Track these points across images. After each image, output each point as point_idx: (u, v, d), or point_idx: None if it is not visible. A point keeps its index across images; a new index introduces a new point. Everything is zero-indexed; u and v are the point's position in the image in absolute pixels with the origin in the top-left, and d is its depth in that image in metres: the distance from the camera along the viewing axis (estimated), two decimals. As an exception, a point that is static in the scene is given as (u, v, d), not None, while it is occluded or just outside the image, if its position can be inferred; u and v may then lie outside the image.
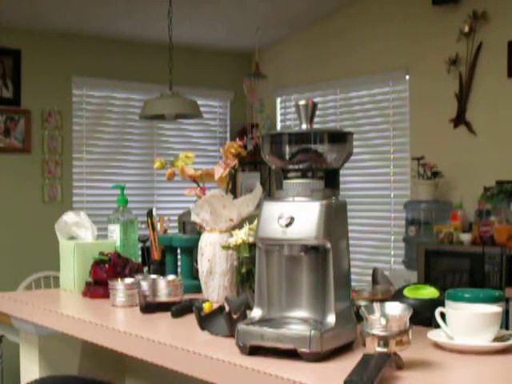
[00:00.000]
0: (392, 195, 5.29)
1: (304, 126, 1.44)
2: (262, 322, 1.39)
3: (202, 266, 2.02)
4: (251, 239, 1.86)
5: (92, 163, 5.57)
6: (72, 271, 2.22)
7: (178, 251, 2.34)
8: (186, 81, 5.69)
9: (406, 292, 1.64)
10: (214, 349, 1.41)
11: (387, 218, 5.31)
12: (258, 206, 1.76)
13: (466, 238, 4.24)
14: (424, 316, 1.54)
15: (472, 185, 4.56)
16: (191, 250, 2.25)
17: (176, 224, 2.73)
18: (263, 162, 1.56)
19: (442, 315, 1.44)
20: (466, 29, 4.62)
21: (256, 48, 5.71)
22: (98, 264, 2.13)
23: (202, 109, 4.61)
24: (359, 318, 1.34)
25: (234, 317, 1.52)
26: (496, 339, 1.39)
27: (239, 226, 2.00)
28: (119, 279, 2.00)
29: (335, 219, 1.38)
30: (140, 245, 2.46)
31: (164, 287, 1.86)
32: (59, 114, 5.38)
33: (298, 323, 1.38)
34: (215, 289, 2.00)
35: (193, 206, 2.05)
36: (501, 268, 3.98)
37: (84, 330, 1.78)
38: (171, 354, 1.46)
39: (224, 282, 1.99)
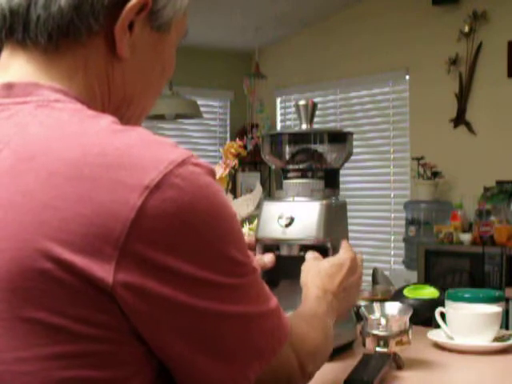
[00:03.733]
0: (392, 195, 5.29)
1: (304, 126, 1.44)
2: (262, 322, 1.38)
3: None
4: (251, 239, 1.86)
5: (92, 163, 5.55)
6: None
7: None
8: (186, 81, 5.69)
9: (406, 292, 1.64)
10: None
11: (387, 218, 5.31)
12: (258, 206, 1.76)
13: (466, 238, 4.24)
14: (424, 316, 1.54)
15: (472, 185, 4.56)
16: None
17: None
18: (263, 162, 1.56)
19: (442, 315, 1.44)
20: (466, 29, 4.62)
21: (256, 48, 5.71)
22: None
23: (202, 109, 4.61)
24: (359, 318, 1.34)
25: None
26: (496, 339, 1.39)
27: (239, 226, 1.99)
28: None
29: (335, 219, 1.38)
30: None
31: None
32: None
33: (298, 323, 1.38)
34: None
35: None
36: (501, 268, 3.98)
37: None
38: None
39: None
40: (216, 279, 0.72)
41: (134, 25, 0.79)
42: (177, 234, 0.68)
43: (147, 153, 0.70)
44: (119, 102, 0.83)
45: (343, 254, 1.20)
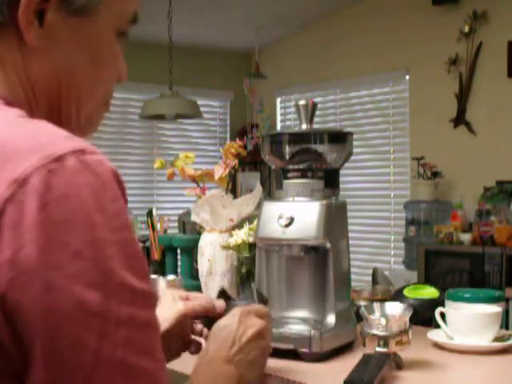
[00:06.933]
0: (392, 195, 5.29)
1: (304, 126, 1.44)
2: (262, 322, 1.38)
3: (202, 266, 2.02)
4: (251, 239, 1.86)
5: (92, 163, 5.54)
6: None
7: (178, 251, 2.34)
8: (186, 81, 5.68)
9: (406, 292, 1.64)
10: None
11: (387, 218, 5.31)
12: (258, 206, 1.76)
13: (466, 238, 4.24)
14: (424, 316, 1.54)
15: (472, 185, 4.56)
16: (191, 250, 2.25)
17: (176, 224, 2.73)
18: (263, 162, 1.56)
19: (442, 315, 1.44)
20: (466, 29, 4.62)
21: (256, 48, 5.71)
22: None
23: (202, 109, 4.61)
24: (359, 318, 1.34)
25: None
26: (496, 339, 1.39)
27: (239, 226, 1.99)
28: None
29: (335, 219, 1.38)
30: (140, 245, 2.47)
31: (164, 287, 1.86)
32: (59, 114, 5.37)
33: (298, 323, 1.38)
34: (215, 289, 2.00)
35: (193, 206, 2.05)
36: (501, 268, 3.97)
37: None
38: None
39: (224, 282, 1.99)
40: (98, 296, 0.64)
41: (45, 12, 0.75)
42: (39, 228, 0.64)
43: (29, 144, 0.67)
44: (47, 96, 0.79)
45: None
